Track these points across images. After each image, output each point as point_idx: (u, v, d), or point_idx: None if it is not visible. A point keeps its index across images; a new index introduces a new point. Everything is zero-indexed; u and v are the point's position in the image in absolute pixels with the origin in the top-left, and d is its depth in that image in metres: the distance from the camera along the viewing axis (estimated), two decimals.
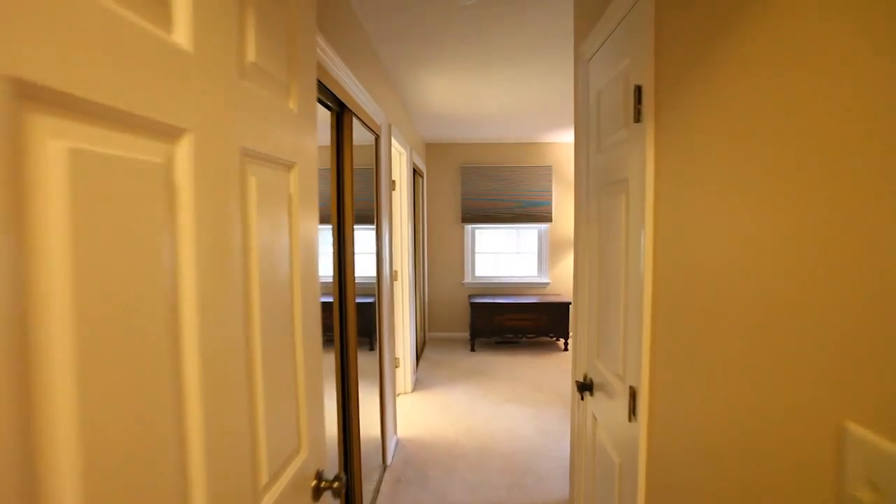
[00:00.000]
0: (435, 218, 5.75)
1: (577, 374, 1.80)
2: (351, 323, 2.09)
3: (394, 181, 3.80)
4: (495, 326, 5.23)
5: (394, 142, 3.28)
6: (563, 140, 5.52)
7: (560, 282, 5.75)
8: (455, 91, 3.44)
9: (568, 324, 5.24)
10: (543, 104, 3.82)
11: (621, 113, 1.29)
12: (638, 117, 1.14)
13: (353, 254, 2.10)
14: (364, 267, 2.72)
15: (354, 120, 2.14)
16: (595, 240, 1.58)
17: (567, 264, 5.73)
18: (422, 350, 5.28)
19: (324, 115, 1.98)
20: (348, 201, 2.05)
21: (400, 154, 3.80)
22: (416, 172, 4.83)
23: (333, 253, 2.03)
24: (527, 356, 5.05)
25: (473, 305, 5.23)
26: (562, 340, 5.35)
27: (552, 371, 4.56)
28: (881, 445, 0.47)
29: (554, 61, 2.82)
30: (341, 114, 2.02)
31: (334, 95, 1.86)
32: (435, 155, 5.69)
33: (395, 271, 3.85)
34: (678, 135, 0.95)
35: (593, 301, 1.62)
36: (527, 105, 3.84)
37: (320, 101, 1.83)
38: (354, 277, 2.11)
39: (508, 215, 5.64)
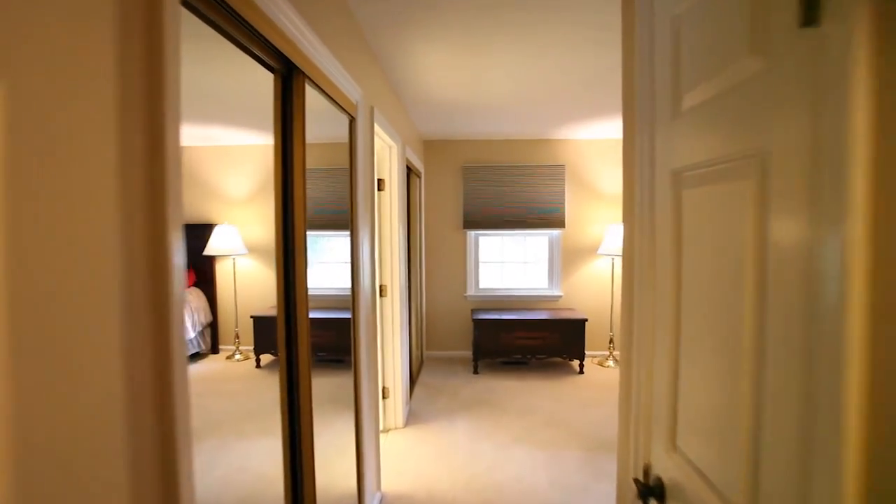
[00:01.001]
0: (434, 223, 5.16)
1: (630, 463, 1.19)
2: (303, 342, 1.51)
3: (381, 180, 3.22)
4: (501, 346, 4.63)
5: (379, 131, 2.70)
6: (577, 136, 4.93)
7: (573, 295, 5.14)
8: (453, 70, 2.87)
9: (584, 343, 4.62)
10: (558, 88, 3.23)
11: (743, 30, 0.70)
12: (813, 16, 0.55)
13: (305, 259, 1.52)
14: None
15: (311, 88, 1.57)
16: (668, 254, 0.99)
17: (582, 276, 5.12)
18: (418, 373, 4.68)
19: (263, 79, 1.40)
20: (298, 192, 1.46)
21: (390, 148, 3.23)
22: (411, 172, 4.26)
23: (278, 257, 1.46)
24: (537, 380, 4.44)
25: (477, 322, 4.63)
26: (576, 362, 4.74)
27: (567, 400, 3.94)
28: None
29: (571, 28, 2.23)
30: (289, 77, 1.44)
31: (275, 48, 1.28)
32: (434, 153, 5.12)
33: (384, 286, 3.27)
34: None
35: (663, 347, 1.02)
36: (538, 90, 3.26)
37: (249, 53, 1.25)
38: (306, 287, 1.53)
39: (516, 220, 5.05)
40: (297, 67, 1.42)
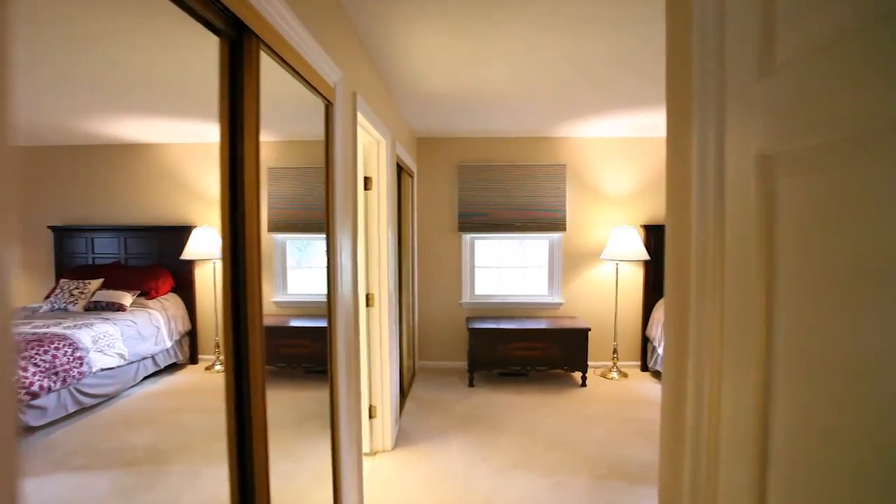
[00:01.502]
0: (427, 226, 4.87)
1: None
2: (255, 357, 1.21)
3: (368, 178, 2.93)
4: (499, 357, 4.33)
5: (365, 123, 2.41)
6: (579, 134, 4.65)
7: (575, 302, 4.86)
8: (448, 55, 2.58)
9: (586, 355, 4.33)
10: (562, 78, 2.95)
11: None
12: None
13: (258, 265, 1.22)
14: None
15: (271, 59, 1.27)
16: (750, 260, 0.70)
17: (584, 282, 4.84)
18: (410, 385, 4.38)
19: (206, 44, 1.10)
20: (250, 190, 1.16)
21: (378, 144, 2.93)
22: (402, 171, 3.96)
23: (225, 257, 1.16)
24: (537, 394, 4.14)
25: (473, 332, 4.33)
26: (578, 374, 4.45)
27: (570, 416, 3.65)
28: None
29: (580, 5, 1.95)
30: (238, 42, 1.14)
31: (218, 2, 0.99)
32: (427, 151, 4.83)
33: (371, 295, 2.96)
34: None
35: (741, 366, 0.73)
36: (540, 80, 2.98)
37: (184, 6, 0.95)
38: (260, 295, 1.23)
39: (514, 223, 4.76)
40: (249, 29, 1.13)
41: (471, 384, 4.35)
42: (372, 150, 2.93)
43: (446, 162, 4.81)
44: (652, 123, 4.16)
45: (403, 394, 4.07)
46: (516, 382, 4.44)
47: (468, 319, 4.68)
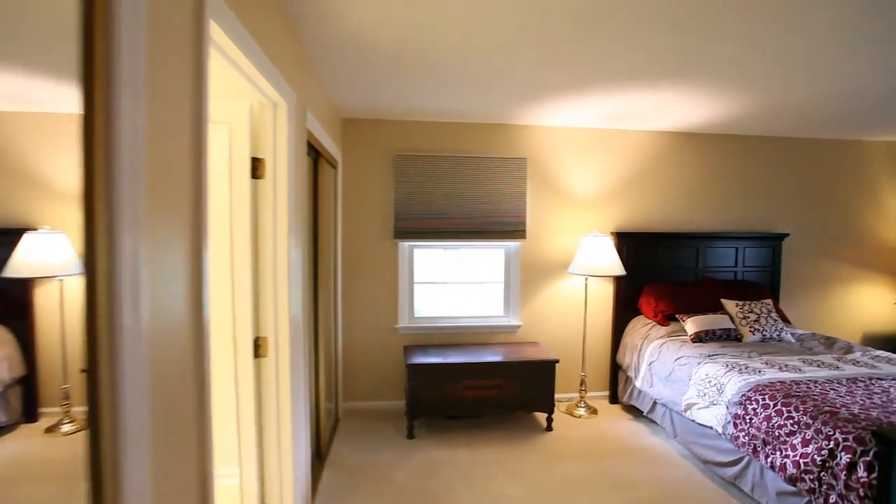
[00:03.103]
0: (354, 231, 3.84)
1: None
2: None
3: (258, 160, 1.89)
4: (445, 399, 3.41)
5: (233, 51, 1.39)
6: (542, 122, 3.86)
7: (536, 324, 4.06)
8: None
9: (553, 392, 3.53)
10: (530, 31, 2.09)
11: None
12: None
13: None
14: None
15: None
16: None
17: (547, 300, 4.05)
18: (330, 440, 3.33)
19: None
20: None
21: (273, 108, 1.90)
22: (321, 157, 2.93)
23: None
24: (494, 446, 3.27)
25: (413, 369, 3.37)
26: (542, 415, 3.64)
27: (541, 482, 2.80)
28: None
29: None
30: None
31: None
32: (356, 136, 3.81)
33: (262, 339, 1.92)
34: None
35: None
36: (503, 33, 2.10)
37: None
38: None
39: (464, 229, 3.88)
40: None
41: (410, 435, 3.39)
42: (264, 118, 1.89)
43: (379, 151, 3.82)
44: (625, 111, 3.45)
45: (321, 457, 3.03)
46: (467, 428, 3.54)
47: (406, 350, 3.72)
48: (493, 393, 3.45)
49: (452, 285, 4.08)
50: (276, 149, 1.92)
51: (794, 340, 3.58)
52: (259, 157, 1.89)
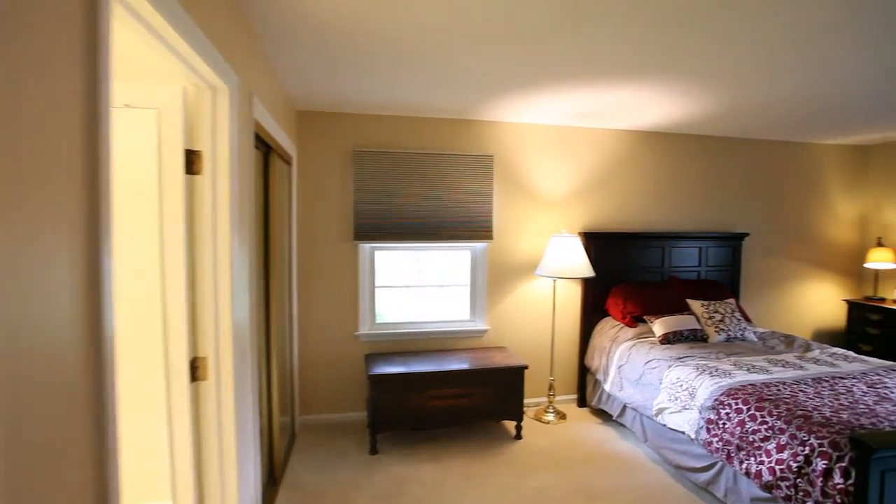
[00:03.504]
0: (311, 232, 3.58)
1: None
2: None
3: (193, 152, 1.64)
4: (410, 411, 3.22)
5: (176, 38, 1.15)
6: (510, 118, 3.72)
7: (503, 328, 3.93)
8: None
9: (522, 399, 3.41)
10: (514, 16, 1.93)
11: None
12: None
13: None
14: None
15: None
16: None
17: (514, 303, 3.93)
18: (286, 459, 3.07)
19: None
20: None
21: (212, 92, 1.65)
22: (273, 152, 2.67)
23: None
24: (462, 460, 3.11)
25: (375, 381, 3.16)
26: (512, 423, 3.51)
27: (513, 499, 2.66)
28: None
29: None
30: None
31: None
32: (312, 130, 3.55)
33: (200, 360, 1.66)
34: None
35: None
36: (479, 21, 1.93)
37: None
38: None
39: (428, 230, 3.69)
40: None
41: (373, 450, 3.18)
42: (202, 104, 1.64)
43: (338, 146, 3.58)
44: (593, 109, 3.37)
45: (275, 478, 2.77)
46: (433, 440, 3.36)
47: (368, 358, 3.50)
48: (461, 402, 3.28)
49: (416, 289, 3.89)
50: (216, 140, 1.67)
51: (756, 339, 3.61)
52: (195, 149, 1.63)
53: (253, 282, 2.11)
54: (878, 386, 2.69)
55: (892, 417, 2.25)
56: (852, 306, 4.59)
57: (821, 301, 4.84)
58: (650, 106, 3.26)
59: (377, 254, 3.74)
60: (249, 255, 2.03)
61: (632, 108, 3.31)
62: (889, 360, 3.77)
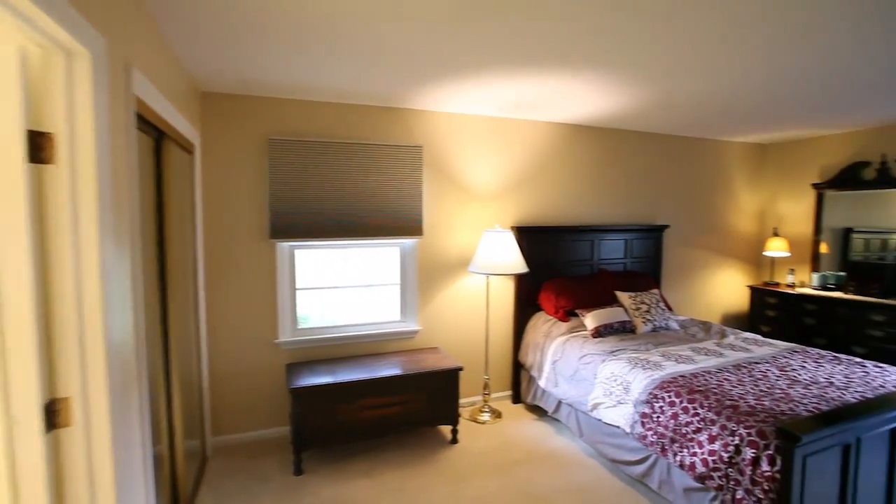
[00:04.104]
0: (221, 229, 3.17)
1: None
2: None
3: (45, 135, 1.28)
4: (339, 424, 2.96)
5: None
6: (440, 108, 3.54)
7: (435, 328, 3.76)
8: None
9: (457, 402, 3.27)
10: None
11: None
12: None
13: None
14: None
15: None
16: None
17: (445, 302, 3.77)
18: (196, 488, 2.69)
19: None
20: None
21: (67, 56, 1.29)
22: (167, 138, 2.27)
23: None
24: (397, 471, 2.91)
25: (297, 394, 2.85)
26: (448, 427, 3.37)
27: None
28: None
29: None
30: None
31: None
32: (220, 114, 3.12)
33: (60, 402, 1.31)
34: None
35: None
36: None
37: None
38: None
39: (353, 225, 3.42)
40: None
41: (298, 470, 2.88)
42: (51, 73, 1.27)
43: (250, 133, 3.19)
44: (524, 99, 3.28)
45: None
46: (365, 453, 3.13)
47: (290, 369, 3.17)
48: (394, 411, 3.07)
49: (343, 290, 3.61)
50: (76, 120, 1.31)
51: (678, 328, 3.75)
52: (44, 130, 1.27)
53: (140, 291, 1.75)
54: (788, 369, 2.86)
55: (805, 401, 2.37)
56: (754, 291, 4.97)
57: (728, 287, 5.19)
58: (579, 98, 3.22)
59: (298, 253, 3.41)
60: (134, 259, 1.67)
61: (562, 99, 3.25)
62: (787, 342, 4.10)
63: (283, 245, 3.32)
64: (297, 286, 3.41)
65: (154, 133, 2.16)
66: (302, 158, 3.25)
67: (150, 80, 1.92)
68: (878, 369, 2.88)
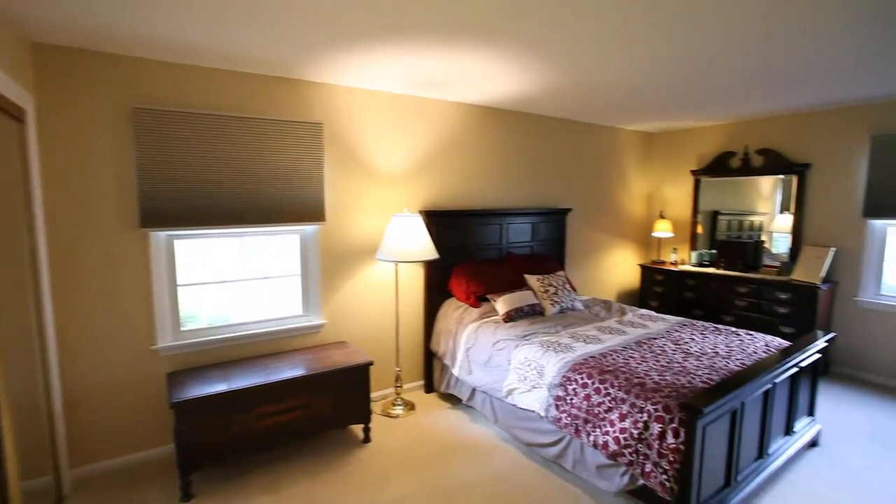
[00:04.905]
0: (71, 216, 2.59)
1: None
2: None
3: None
4: (234, 436, 2.61)
5: None
6: (342, 81, 3.23)
7: (342, 321, 3.50)
8: None
9: (368, 398, 3.07)
10: None
11: None
12: None
13: None
14: None
15: None
16: None
17: (352, 292, 3.52)
18: None
19: None
20: None
21: None
22: None
23: None
24: (305, 482, 2.65)
25: (182, 409, 2.44)
26: (359, 426, 3.16)
27: None
28: None
29: None
30: None
31: None
32: (65, 73, 2.52)
33: None
34: None
35: None
36: None
37: None
38: None
39: (244, 211, 3.02)
40: None
41: (186, 496, 2.49)
42: None
43: (109, 99, 2.62)
44: (435, 77, 3.11)
45: None
46: (267, 467, 2.82)
47: (172, 378, 2.73)
48: (297, 415, 2.79)
49: (236, 284, 3.19)
50: None
51: (583, 308, 3.90)
52: None
53: None
54: (681, 342, 3.08)
55: (700, 373, 2.54)
56: (644, 269, 5.37)
57: (622, 266, 5.56)
58: (488, 77, 3.12)
59: (177, 243, 2.93)
60: None
61: (471, 78, 3.13)
62: (674, 315, 4.46)
63: (159, 235, 2.82)
64: (179, 282, 2.93)
65: None
66: (180, 133, 2.76)
67: None
68: (749, 337, 3.21)
